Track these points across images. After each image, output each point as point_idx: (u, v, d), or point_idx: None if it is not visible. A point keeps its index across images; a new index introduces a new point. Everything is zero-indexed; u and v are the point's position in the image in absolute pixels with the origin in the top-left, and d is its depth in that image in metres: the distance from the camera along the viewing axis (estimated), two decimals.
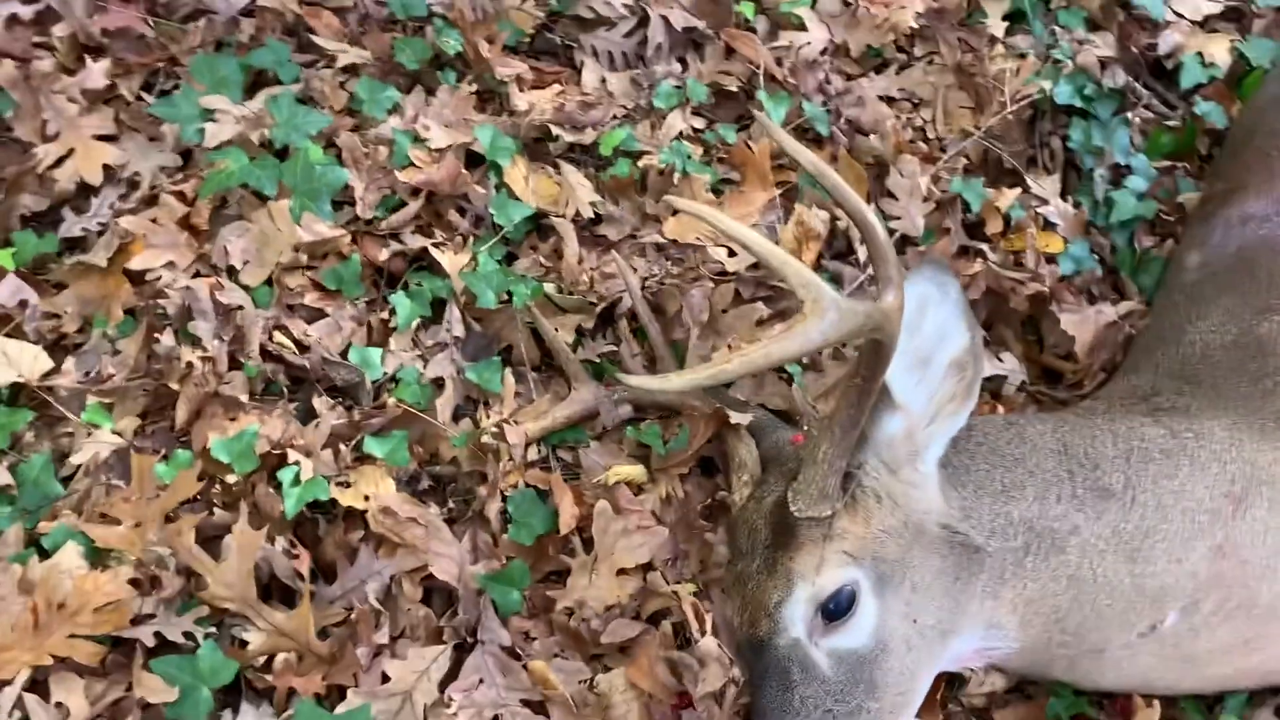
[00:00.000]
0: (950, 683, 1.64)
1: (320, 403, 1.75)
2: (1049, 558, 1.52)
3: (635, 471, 1.75)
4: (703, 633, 1.48)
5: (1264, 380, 1.64)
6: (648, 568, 1.67)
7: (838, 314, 1.29)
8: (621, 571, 1.66)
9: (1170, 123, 2.36)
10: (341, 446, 1.70)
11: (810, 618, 1.45)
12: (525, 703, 1.54)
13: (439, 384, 1.82)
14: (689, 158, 2.08)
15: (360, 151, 1.96)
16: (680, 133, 2.16)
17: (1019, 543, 1.52)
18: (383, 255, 1.91)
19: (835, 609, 1.45)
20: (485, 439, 1.72)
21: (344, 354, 1.82)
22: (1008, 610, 1.54)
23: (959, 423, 1.51)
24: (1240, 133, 2.18)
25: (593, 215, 2.01)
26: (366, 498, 1.64)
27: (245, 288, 1.82)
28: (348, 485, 1.67)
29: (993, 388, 1.95)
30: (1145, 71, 2.42)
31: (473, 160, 2.04)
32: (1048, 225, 2.13)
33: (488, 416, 1.78)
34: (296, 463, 1.63)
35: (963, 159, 2.27)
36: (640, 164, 2.08)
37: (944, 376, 1.51)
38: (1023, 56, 2.37)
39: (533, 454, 1.78)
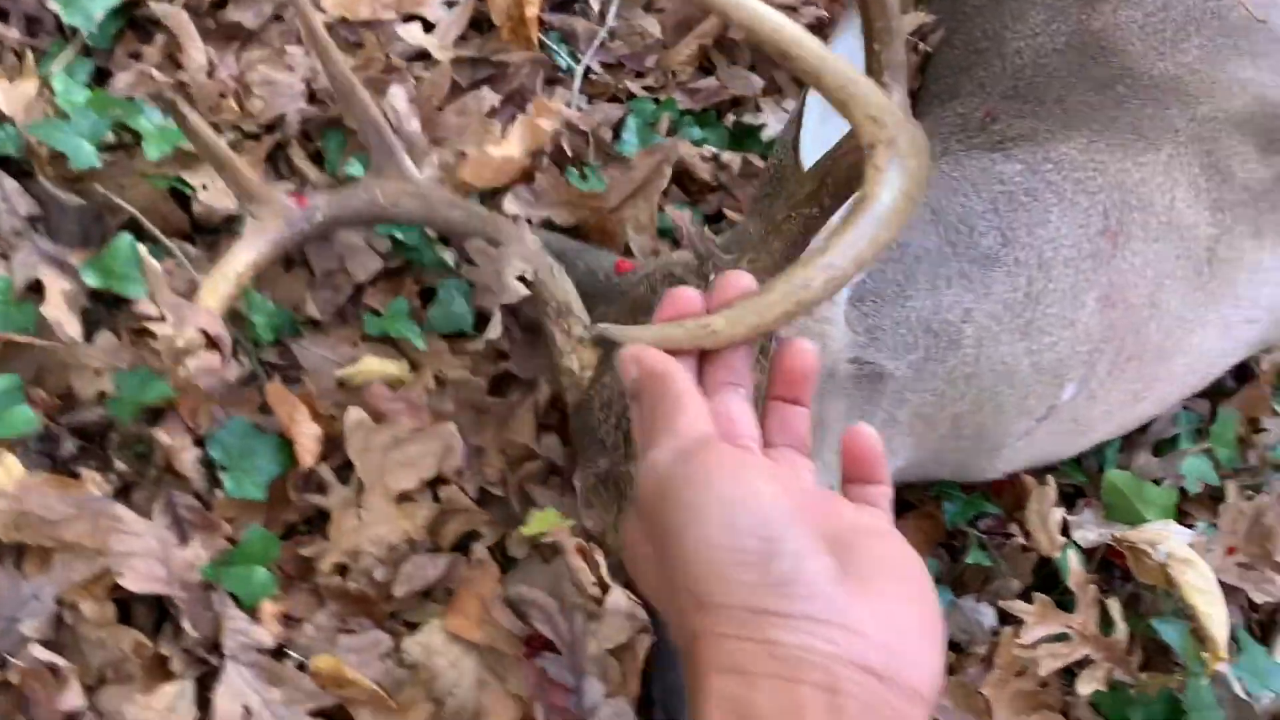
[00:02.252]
0: None
1: None
2: (946, 358, 1.31)
3: (392, 368, 1.32)
4: (603, 586, 1.12)
5: (1113, 86, 1.48)
6: (436, 481, 1.29)
7: (914, 152, 0.85)
8: (402, 497, 1.26)
9: None
10: None
11: None
12: (318, 713, 1.15)
13: (40, 290, 1.26)
14: None
15: None
16: None
17: (920, 352, 1.29)
18: None
19: None
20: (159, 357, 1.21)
21: None
22: (904, 434, 1.33)
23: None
24: None
25: None
26: None
27: None
28: None
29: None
30: None
31: None
32: None
33: (147, 332, 1.25)
34: None
35: None
36: None
37: None
38: None
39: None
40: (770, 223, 1.04)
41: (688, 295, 0.78)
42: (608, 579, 1.16)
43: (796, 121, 1.12)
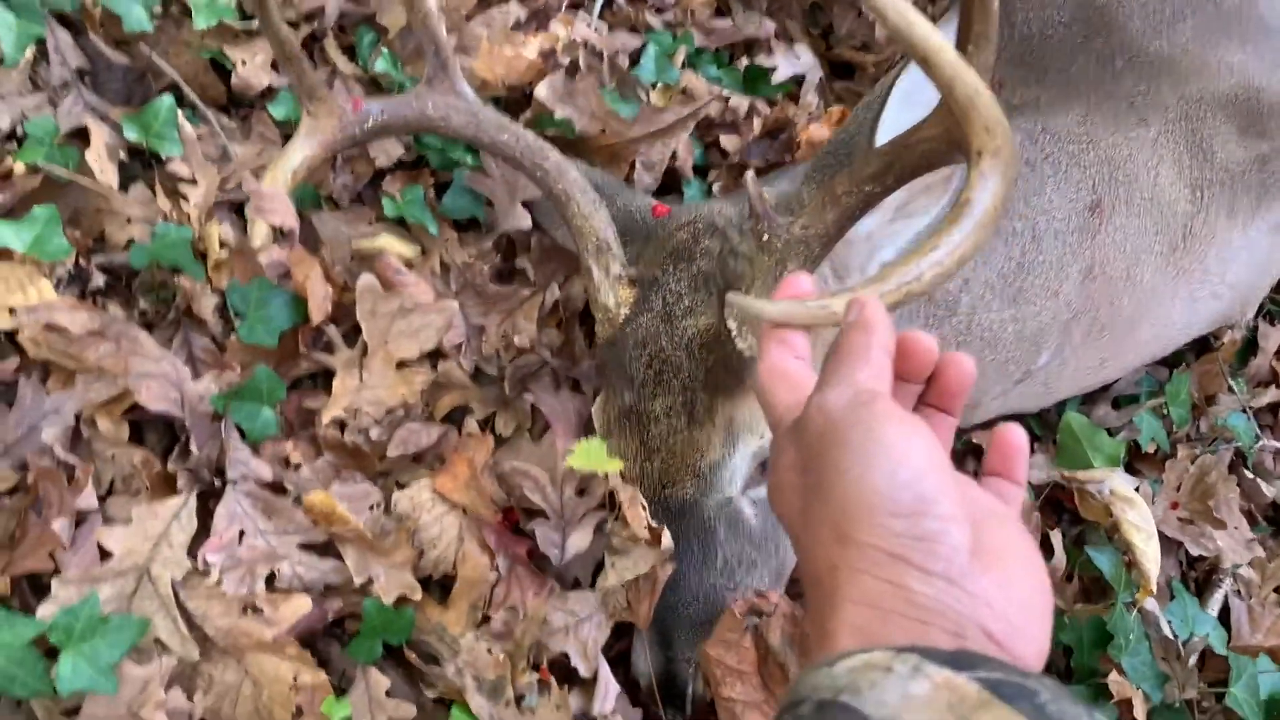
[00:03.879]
0: None
1: None
2: (943, 325, 1.41)
3: (404, 246, 1.41)
4: (654, 532, 1.19)
5: (1113, 60, 1.57)
6: (435, 355, 1.38)
7: (1011, 162, 0.94)
8: (401, 364, 1.35)
9: None
10: None
11: (749, 474, 1.23)
12: (307, 546, 1.24)
13: (82, 137, 1.34)
14: None
15: None
16: None
17: (920, 320, 1.39)
18: None
19: None
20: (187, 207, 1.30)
21: None
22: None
23: (925, 221, 1.25)
24: None
25: None
26: (12, 311, 1.20)
27: None
28: None
29: (789, 90, 1.76)
30: None
31: None
32: None
33: (178, 192, 1.34)
34: None
35: None
36: None
37: None
38: None
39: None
40: (829, 193, 1.09)
41: (804, 281, 0.88)
42: (655, 524, 1.20)
43: (881, 102, 1.18)
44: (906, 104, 1.15)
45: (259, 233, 1.28)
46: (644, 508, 1.20)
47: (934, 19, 1.81)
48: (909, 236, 1.27)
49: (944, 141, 0.99)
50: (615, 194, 1.41)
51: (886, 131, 1.14)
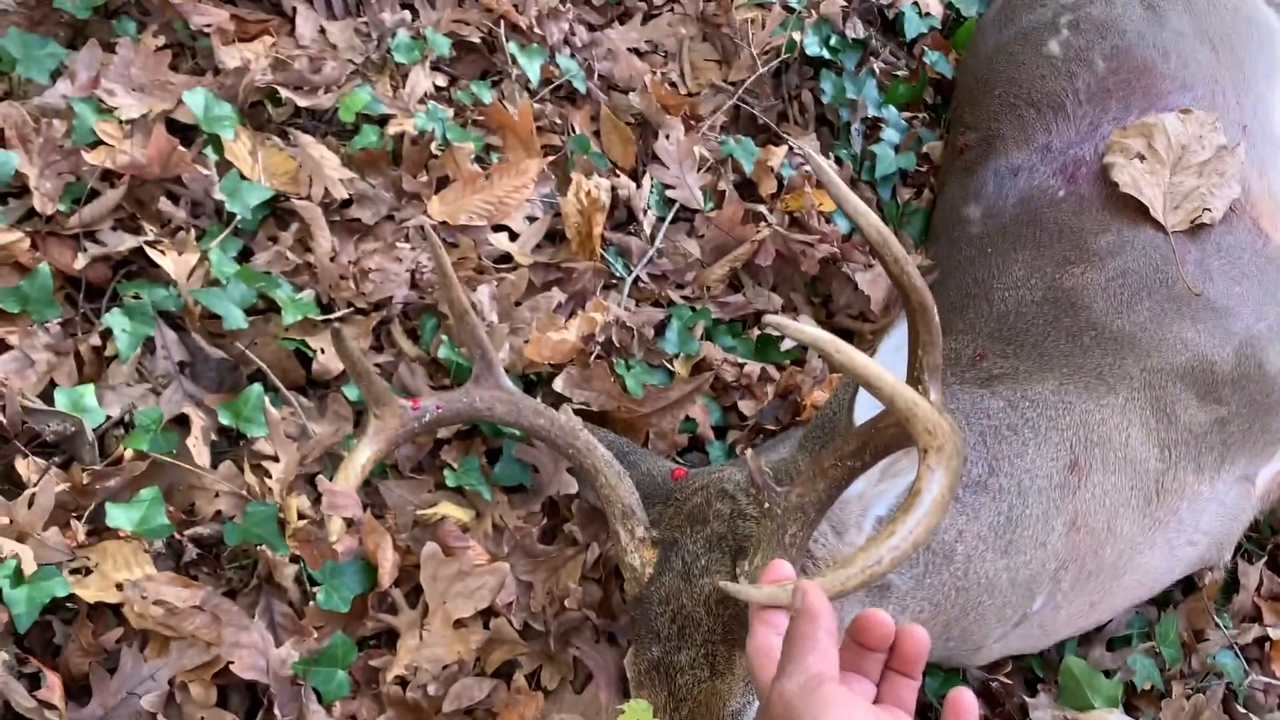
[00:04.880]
0: None
1: (27, 466, 1.40)
2: (941, 572, 1.53)
3: (461, 513, 1.56)
4: None
5: (1081, 336, 1.76)
6: (488, 613, 1.51)
7: (955, 454, 1.15)
8: (458, 623, 1.48)
9: (900, 73, 2.49)
10: (72, 521, 1.36)
11: None
12: None
13: (182, 422, 1.51)
14: (447, 122, 1.88)
15: (28, 127, 1.57)
16: (425, 93, 1.95)
17: (920, 567, 1.52)
18: (78, 262, 1.55)
19: None
20: (269, 486, 1.45)
21: (46, 397, 1.46)
22: None
23: (909, 479, 1.36)
24: (973, 82, 2.34)
25: (345, 196, 1.76)
26: (119, 586, 1.33)
27: None
28: (87, 572, 1.35)
29: (796, 356, 1.95)
30: (876, 22, 2.54)
31: (176, 133, 1.71)
32: (817, 184, 2.17)
33: (263, 468, 1.50)
34: (14, 555, 1.28)
35: (720, 117, 2.25)
36: (390, 131, 1.85)
37: None
38: (763, 5, 2.39)
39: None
40: (818, 466, 1.28)
41: (784, 568, 1.09)
42: None
43: (853, 388, 1.37)
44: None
45: (335, 529, 1.43)
46: None
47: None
48: (896, 493, 1.42)
49: (904, 429, 1.17)
50: (639, 460, 1.57)
51: (863, 406, 1.32)
